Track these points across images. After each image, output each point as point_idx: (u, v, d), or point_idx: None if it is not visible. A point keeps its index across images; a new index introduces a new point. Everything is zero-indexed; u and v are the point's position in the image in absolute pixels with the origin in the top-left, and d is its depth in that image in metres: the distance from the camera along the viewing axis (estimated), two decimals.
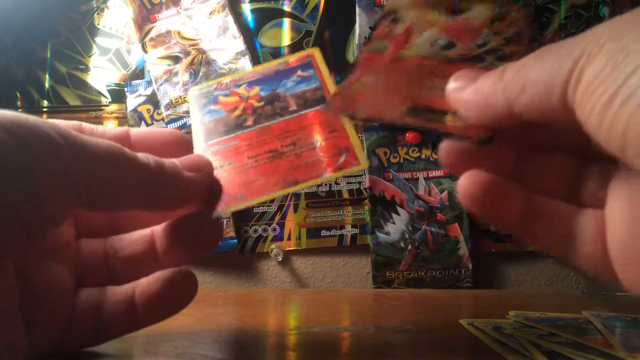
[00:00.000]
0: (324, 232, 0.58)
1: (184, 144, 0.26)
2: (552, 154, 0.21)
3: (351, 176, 0.58)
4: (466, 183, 0.20)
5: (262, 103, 0.27)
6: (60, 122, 0.23)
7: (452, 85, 0.21)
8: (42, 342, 0.22)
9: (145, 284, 0.24)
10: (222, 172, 0.25)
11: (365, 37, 0.26)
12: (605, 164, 0.19)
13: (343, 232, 0.58)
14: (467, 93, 0.20)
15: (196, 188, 0.23)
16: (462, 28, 0.24)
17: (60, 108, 0.61)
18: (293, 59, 0.29)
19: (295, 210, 0.58)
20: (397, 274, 0.57)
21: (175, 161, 0.23)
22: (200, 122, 0.27)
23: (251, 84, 0.29)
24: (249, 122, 0.27)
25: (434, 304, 0.44)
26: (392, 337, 0.31)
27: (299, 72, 0.29)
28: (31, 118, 0.17)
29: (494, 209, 0.20)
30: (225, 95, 0.28)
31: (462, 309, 0.41)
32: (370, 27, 0.25)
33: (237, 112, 0.27)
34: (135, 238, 0.25)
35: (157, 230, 0.25)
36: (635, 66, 0.14)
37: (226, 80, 0.29)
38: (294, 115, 0.26)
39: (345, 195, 0.58)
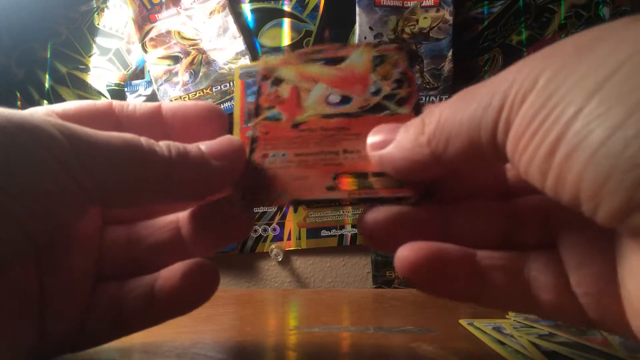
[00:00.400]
0: (324, 232, 0.58)
1: (220, 118, 0.23)
2: (477, 201, 0.20)
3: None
4: (408, 256, 0.18)
5: None
6: (88, 103, 0.21)
7: (370, 141, 0.20)
8: (58, 338, 0.21)
9: (164, 277, 0.22)
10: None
11: (253, 109, 0.24)
12: (536, 198, 0.19)
13: (343, 232, 0.58)
14: (389, 150, 0.19)
15: (226, 178, 0.21)
16: (348, 78, 0.23)
17: None
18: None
19: (295, 210, 0.58)
20: (397, 274, 0.57)
21: (203, 147, 0.20)
22: (242, 102, 0.24)
23: None
24: None
25: (434, 304, 0.44)
26: (392, 337, 0.31)
27: None
28: (34, 118, 0.16)
29: (442, 278, 0.18)
30: None
31: (462, 309, 0.41)
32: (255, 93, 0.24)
33: None
34: (161, 225, 0.23)
35: (183, 216, 0.23)
36: (576, 110, 0.13)
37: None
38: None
39: None
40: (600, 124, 0.12)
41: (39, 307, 0.20)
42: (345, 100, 0.23)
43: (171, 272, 0.22)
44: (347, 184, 0.20)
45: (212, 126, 0.23)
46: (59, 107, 0.20)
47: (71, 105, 0.21)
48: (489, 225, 0.19)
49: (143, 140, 0.19)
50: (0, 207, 0.15)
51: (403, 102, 0.22)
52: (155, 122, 0.22)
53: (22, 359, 0.20)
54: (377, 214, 0.19)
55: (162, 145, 0.19)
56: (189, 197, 0.21)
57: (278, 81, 0.24)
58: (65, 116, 0.20)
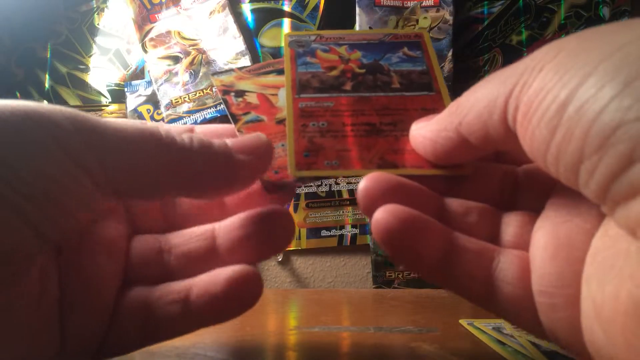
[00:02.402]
0: (324, 232, 0.58)
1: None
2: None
3: (351, 176, 0.58)
4: (383, 217, 0.18)
5: (363, 70, 0.25)
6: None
7: (414, 127, 0.21)
8: (80, 344, 0.20)
9: (204, 283, 0.21)
10: (314, 132, 0.22)
11: (230, 117, 0.25)
12: (526, 211, 0.19)
13: (343, 232, 0.58)
14: (427, 128, 0.20)
15: (251, 172, 0.20)
16: None
17: None
18: (401, 33, 0.27)
19: (295, 210, 0.58)
20: (397, 274, 0.57)
21: (228, 141, 0.20)
22: (293, 72, 0.25)
23: (353, 47, 0.26)
24: (347, 87, 0.24)
25: (434, 304, 0.44)
26: (392, 337, 0.31)
27: (406, 50, 0.26)
28: (42, 107, 0.16)
29: (412, 245, 0.18)
30: (324, 51, 0.26)
31: (462, 309, 0.41)
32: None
33: (334, 72, 0.25)
34: (196, 234, 0.23)
35: (220, 225, 0.23)
36: (576, 83, 0.14)
37: (328, 34, 0.27)
38: (396, 94, 0.24)
39: (345, 195, 0.58)
40: (598, 95, 0.13)
41: (60, 311, 0.19)
42: None
43: (212, 278, 0.21)
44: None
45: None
46: None
47: None
48: (480, 219, 0.20)
49: (163, 130, 0.19)
50: (4, 203, 0.15)
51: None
52: None
53: None
54: (377, 178, 0.19)
55: (184, 135, 0.19)
56: (211, 188, 0.20)
57: (241, 92, 0.25)
58: None
